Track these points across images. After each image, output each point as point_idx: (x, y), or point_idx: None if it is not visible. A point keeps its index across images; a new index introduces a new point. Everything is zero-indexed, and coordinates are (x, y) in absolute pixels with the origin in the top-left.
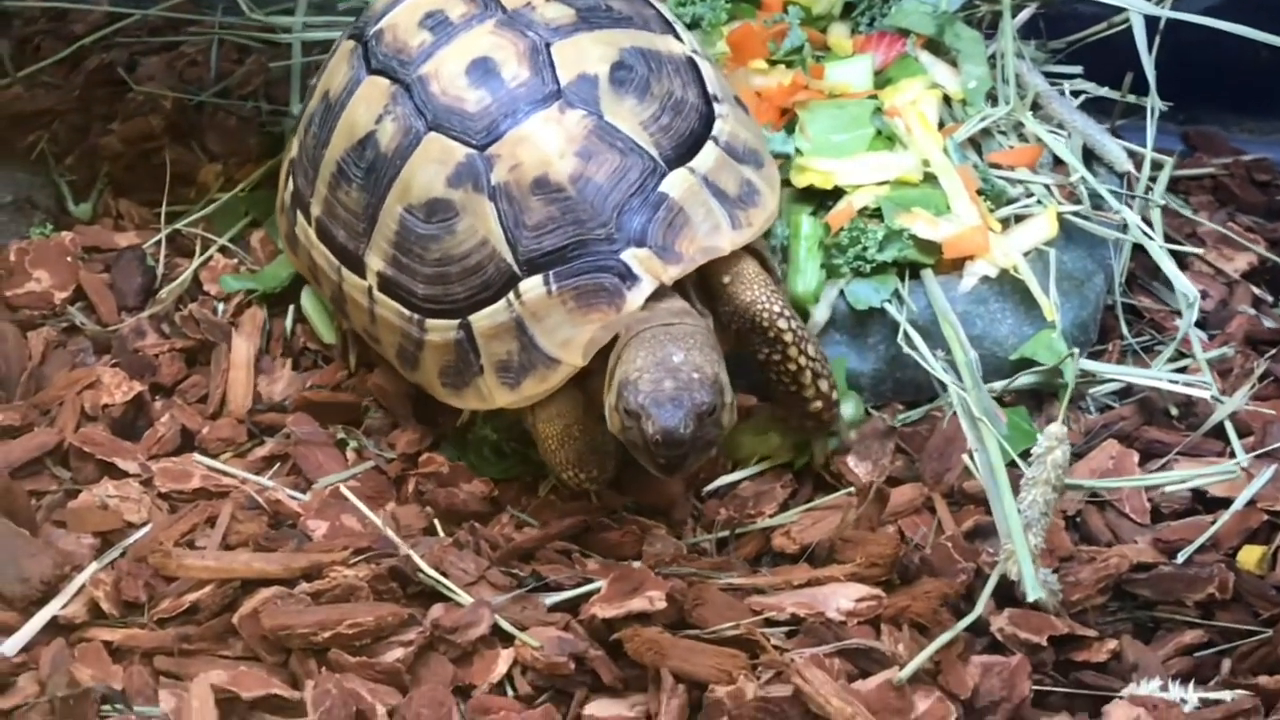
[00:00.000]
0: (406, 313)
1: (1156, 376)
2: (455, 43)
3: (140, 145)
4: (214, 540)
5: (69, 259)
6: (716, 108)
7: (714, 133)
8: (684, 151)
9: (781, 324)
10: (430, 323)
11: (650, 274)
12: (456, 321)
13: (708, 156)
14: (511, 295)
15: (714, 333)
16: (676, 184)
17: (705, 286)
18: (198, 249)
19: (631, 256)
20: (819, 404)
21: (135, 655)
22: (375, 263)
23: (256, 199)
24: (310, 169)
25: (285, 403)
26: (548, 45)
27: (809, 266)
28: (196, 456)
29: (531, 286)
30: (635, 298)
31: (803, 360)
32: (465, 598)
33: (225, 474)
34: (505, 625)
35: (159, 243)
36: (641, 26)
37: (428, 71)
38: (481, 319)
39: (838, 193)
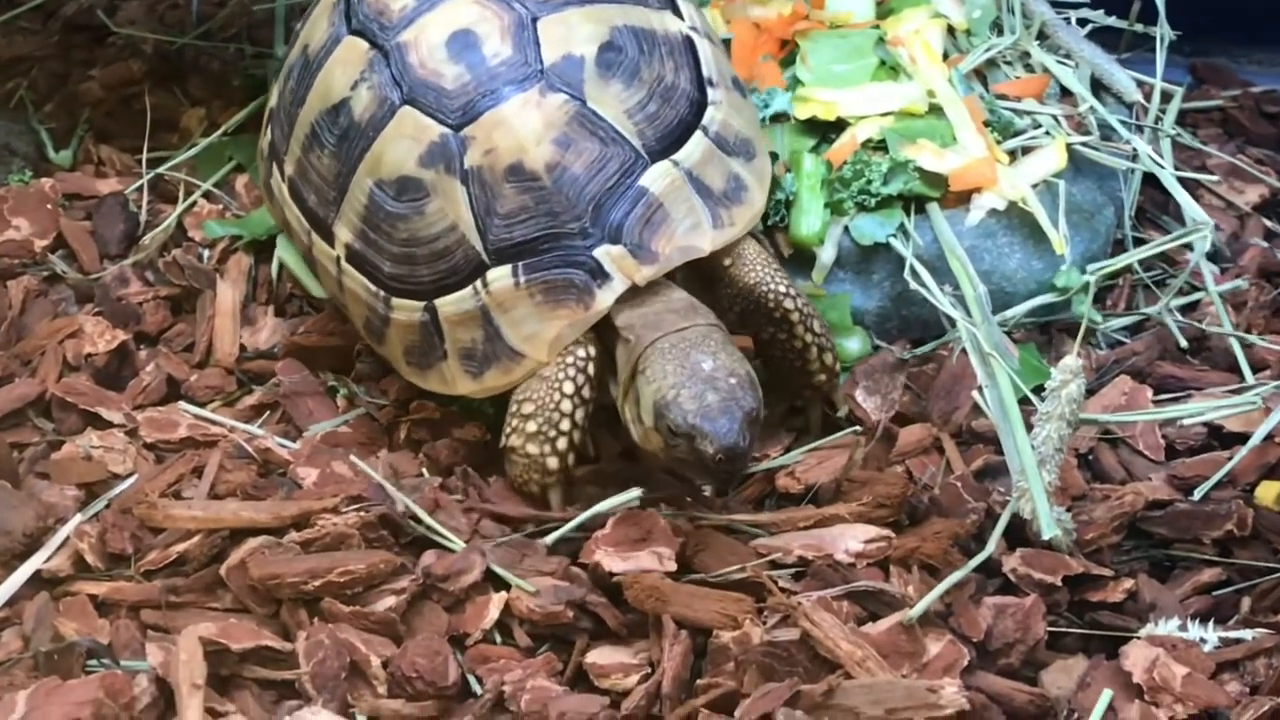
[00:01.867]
0: (373, 288)
1: (1171, 315)
2: (439, 10)
3: (121, 90)
4: (201, 490)
5: (49, 206)
6: (710, 93)
7: (704, 121)
8: (670, 143)
9: (788, 304)
10: (396, 301)
11: (623, 273)
12: (422, 304)
13: (694, 148)
14: (479, 283)
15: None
16: (658, 178)
17: (701, 270)
18: (181, 195)
19: (605, 254)
20: (823, 376)
21: (121, 608)
22: (344, 234)
23: (240, 143)
24: (286, 125)
25: (274, 349)
26: (534, 20)
27: (813, 206)
28: (183, 405)
29: (499, 276)
30: (605, 297)
31: (809, 337)
32: (458, 544)
33: (213, 423)
34: (499, 571)
35: (141, 189)
36: (638, 1)
37: (407, 39)
38: (447, 304)
39: (840, 124)
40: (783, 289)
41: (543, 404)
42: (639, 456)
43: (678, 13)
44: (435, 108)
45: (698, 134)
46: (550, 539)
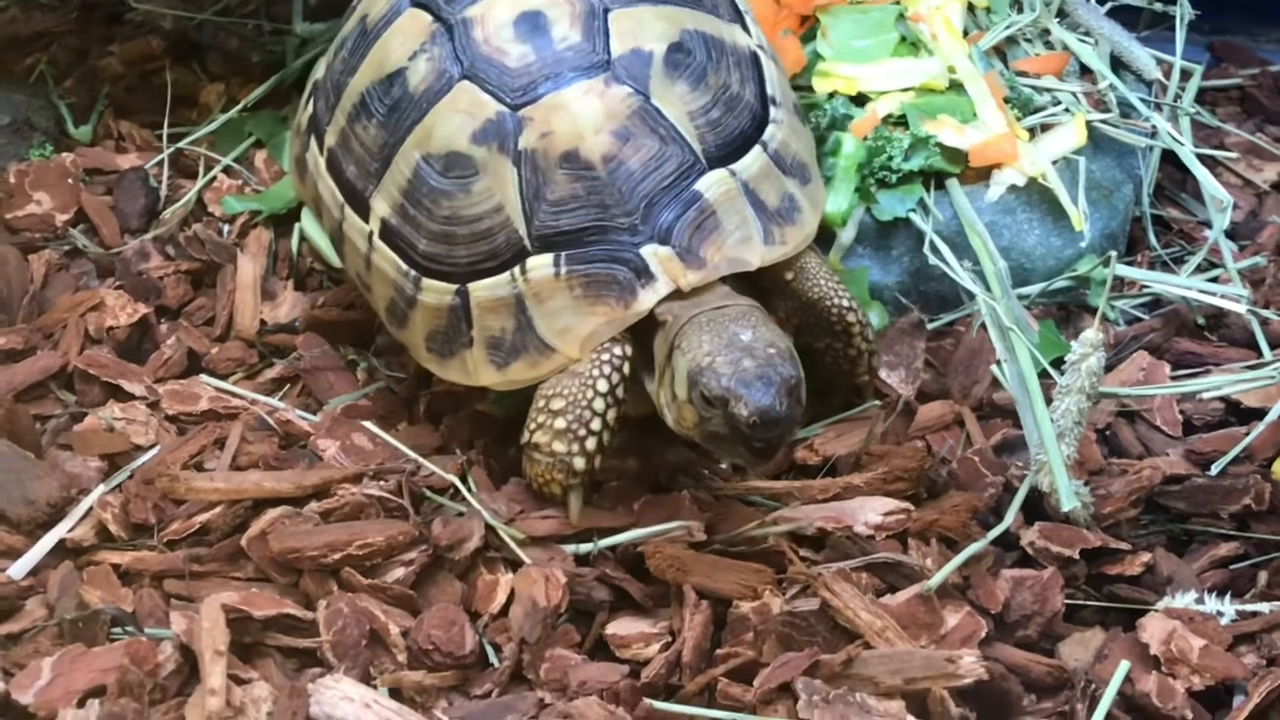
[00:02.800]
0: (404, 266)
1: (1193, 285)
2: None
3: (140, 66)
4: (223, 461)
5: (70, 181)
6: (772, 111)
7: (764, 137)
8: (729, 152)
9: (850, 317)
10: (427, 282)
11: (668, 275)
12: (455, 286)
13: (753, 161)
14: (517, 270)
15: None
16: (714, 184)
17: (758, 282)
18: (201, 170)
19: (652, 253)
20: (866, 378)
21: (145, 578)
22: (381, 208)
23: (260, 119)
24: (333, 95)
25: (295, 323)
26: (605, 10)
27: (844, 187)
28: (204, 378)
29: (540, 264)
30: (647, 298)
31: (864, 345)
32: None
33: (234, 395)
34: (499, 527)
35: (161, 164)
36: (710, 10)
37: (474, 15)
38: (481, 289)
39: (861, 99)
40: (845, 303)
41: (574, 400)
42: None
43: (746, 30)
44: (495, 85)
45: (757, 148)
46: (584, 549)
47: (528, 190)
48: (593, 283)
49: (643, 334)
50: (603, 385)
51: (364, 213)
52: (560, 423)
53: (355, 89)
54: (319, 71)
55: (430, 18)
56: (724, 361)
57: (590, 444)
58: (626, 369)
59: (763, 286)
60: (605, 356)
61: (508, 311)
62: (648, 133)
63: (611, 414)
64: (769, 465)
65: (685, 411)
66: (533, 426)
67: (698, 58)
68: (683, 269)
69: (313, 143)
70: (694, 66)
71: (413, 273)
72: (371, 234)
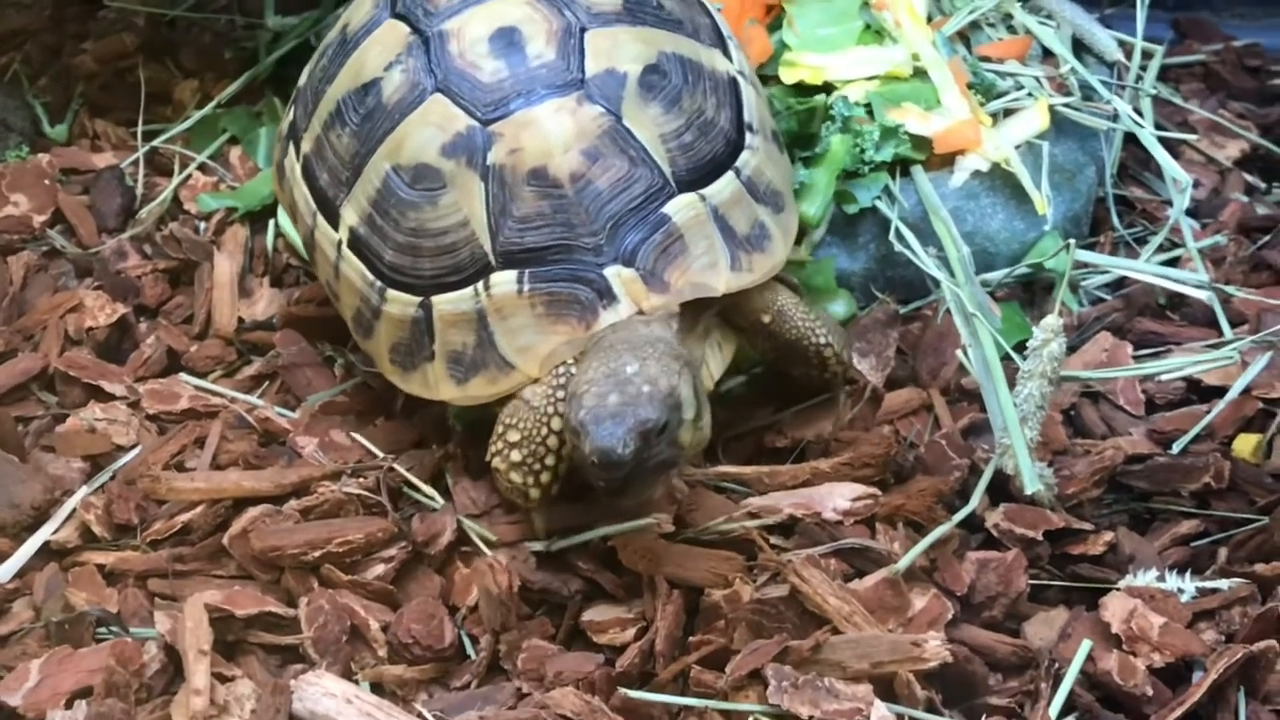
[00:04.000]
0: (370, 277)
1: (1148, 270)
2: (487, 5)
3: (114, 64)
4: (204, 460)
5: (47, 181)
6: (748, 137)
7: (738, 163)
8: (700, 176)
9: (826, 352)
10: (391, 294)
11: (630, 297)
12: (419, 299)
13: (724, 187)
14: (480, 285)
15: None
16: (682, 208)
17: (731, 318)
18: (176, 167)
19: (615, 274)
20: (835, 383)
21: (129, 578)
22: (350, 216)
23: (234, 115)
24: (311, 102)
25: (272, 320)
26: (583, 30)
27: (826, 189)
28: (184, 377)
29: (503, 281)
30: (608, 318)
31: (838, 369)
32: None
33: (213, 393)
34: (470, 526)
35: (137, 162)
36: (690, 34)
37: (450, 28)
38: (444, 302)
39: (827, 88)
40: (822, 340)
41: (529, 435)
42: None
43: (727, 55)
44: (467, 99)
45: (730, 174)
46: (554, 546)
47: (494, 206)
48: (555, 301)
49: None
50: (556, 423)
51: (334, 221)
52: (516, 455)
53: (331, 97)
54: (302, 78)
55: (408, 29)
56: (593, 393)
57: (545, 476)
58: None
59: (738, 326)
60: (559, 393)
61: (469, 327)
62: (617, 153)
63: (563, 462)
64: (626, 503)
65: (566, 433)
66: (493, 450)
67: (673, 81)
68: (645, 291)
69: (291, 149)
70: (669, 89)
71: (379, 283)
72: (340, 243)
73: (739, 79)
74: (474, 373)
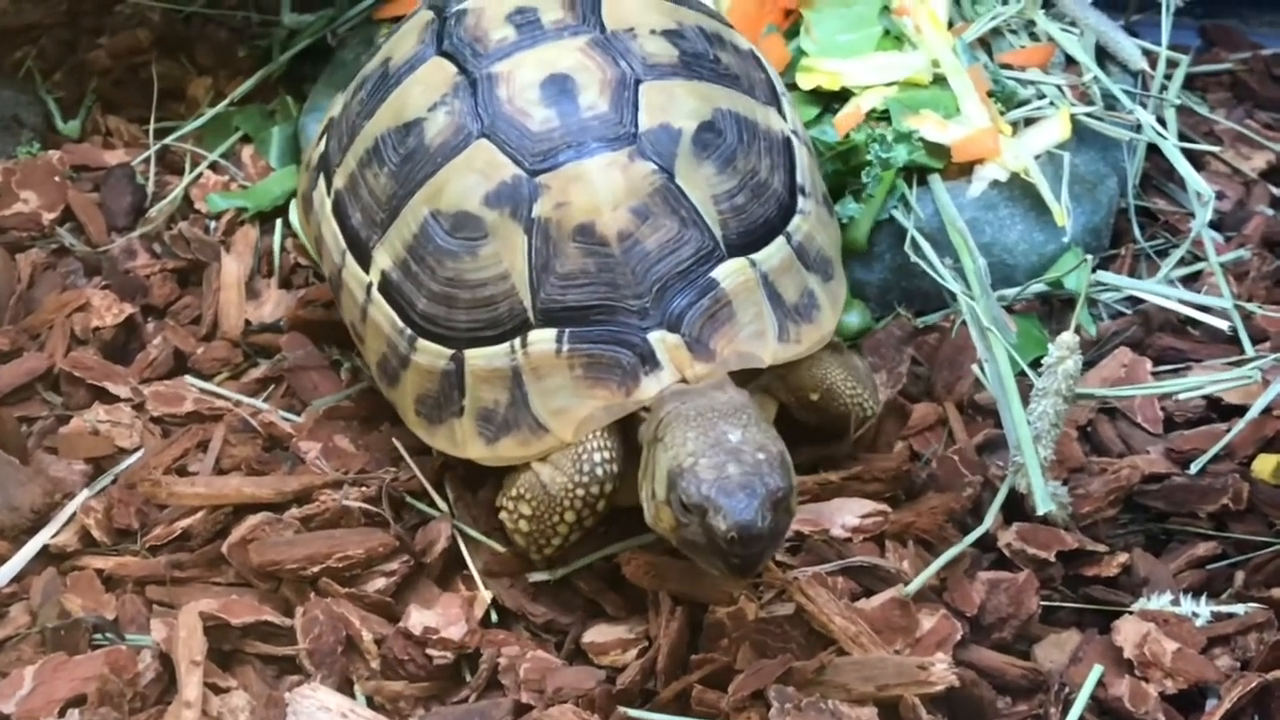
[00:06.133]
0: (400, 324)
1: (1168, 294)
2: (539, 49)
3: (128, 59)
4: (206, 465)
5: (57, 178)
6: (800, 201)
7: (790, 228)
8: (751, 240)
9: (868, 418)
10: (422, 343)
11: (674, 364)
12: (450, 351)
13: (775, 253)
14: (517, 342)
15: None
16: (732, 274)
17: (774, 393)
18: (188, 166)
19: (659, 340)
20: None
21: (127, 583)
22: (383, 260)
23: (247, 114)
24: (346, 136)
25: (279, 323)
26: (637, 82)
27: (871, 217)
28: (189, 379)
29: (541, 339)
30: (650, 386)
31: (874, 424)
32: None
33: (218, 397)
34: (470, 532)
35: (148, 160)
36: (746, 90)
37: (500, 71)
38: (478, 357)
39: (845, 94)
40: (868, 411)
41: (539, 516)
42: None
43: (781, 113)
44: (514, 147)
45: (781, 239)
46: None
47: (537, 260)
48: (594, 364)
49: (628, 418)
50: (570, 516)
51: (365, 262)
52: (525, 525)
53: (370, 134)
54: (336, 108)
55: (455, 69)
56: (707, 465)
57: (549, 550)
58: (605, 474)
59: (780, 396)
60: (583, 474)
61: (503, 384)
62: (668, 213)
63: (581, 526)
64: (749, 580)
65: (663, 512)
66: (503, 508)
67: (728, 139)
68: (690, 359)
69: (321, 181)
70: (723, 148)
71: (409, 331)
72: (370, 285)
73: (793, 139)
74: (505, 432)
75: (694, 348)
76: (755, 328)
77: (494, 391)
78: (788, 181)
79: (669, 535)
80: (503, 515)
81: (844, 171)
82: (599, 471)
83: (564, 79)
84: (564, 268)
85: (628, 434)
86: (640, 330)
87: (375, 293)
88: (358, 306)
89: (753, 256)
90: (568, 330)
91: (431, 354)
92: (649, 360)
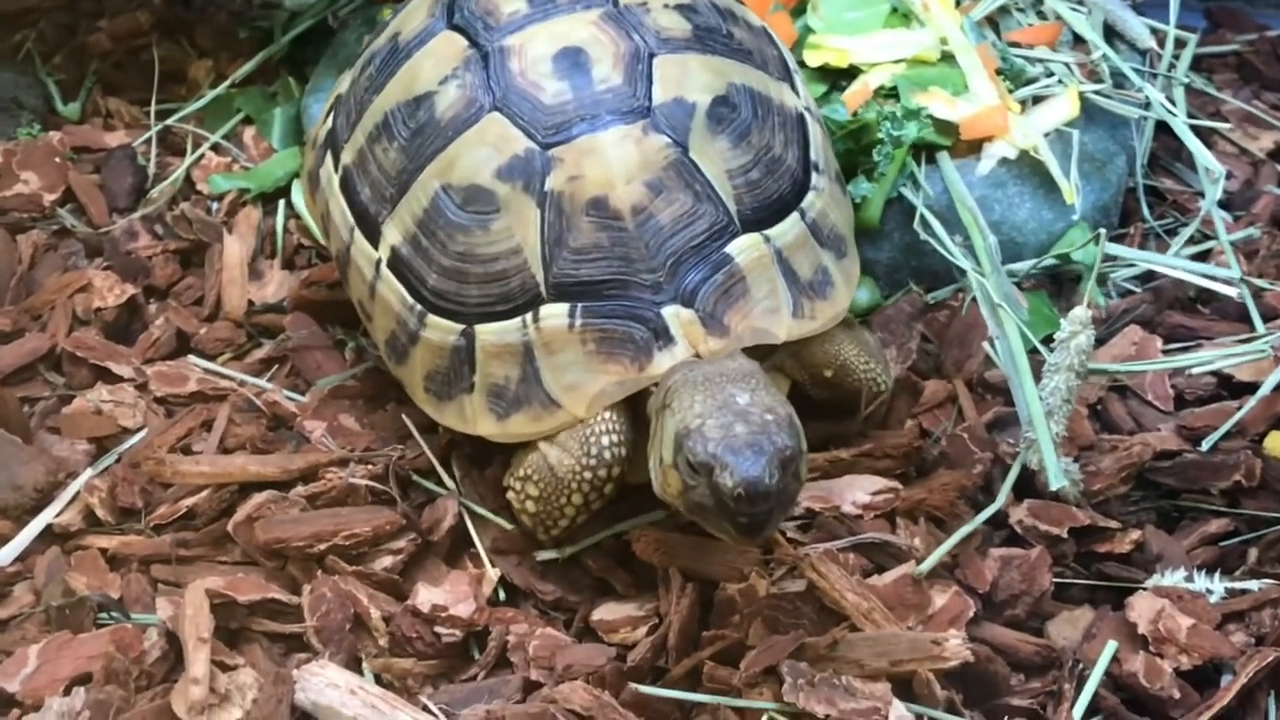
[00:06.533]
0: (410, 300)
1: (1178, 265)
2: (552, 22)
3: (129, 42)
4: (210, 444)
5: (58, 160)
6: (814, 178)
7: (804, 204)
8: (765, 215)
9: (885, 393)
10: (432, 319)
11: (688, 340)
12: (461, 327)
13: (789, 229)
14: (529, 316)
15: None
16: (746, 249)
17: (787, 365)
18: (189, 147)
19: (673, 315)
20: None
21: (132, 562)
22: (392, 235)
23: (248, 95)
24: (355, 112)
25: (283, 303)
26: (651, 55)
27: (883, 195)
28: (192, 359)
29: (554, 314)
30: (663, 361)
31: (887, 400)
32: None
33: (222, 376)
34: (477, 509)
35: (149, 141)
36: (759, 66)
37: (512, 44)
38: (488, 332)
39: (852, 72)
40: (882, 386)
41: (546, 497)
42: None
43: (795, 89)
44: (527, 120)
45: (795, 215)
46: (566, 553)
47: (549, 234)
48: (607, 339)
49: (638, 394)
50: (577, 499)
51: (374, 238)
52: (532, 506)
53: (379, 108)
54: (343, 85)
55: (466, 42)
56: (714, 425)
57: (556, 531)
58: (615, 471)
59: (793, 373)
60: (589, 457)
61: (514, 360)
62: (682, 187)
63: (589, 508)
64: (758, 544)
65: (670, 477)
66: (510, 484)
67: (742, 114)
68: (704, 335)
69: (328, 158)
70: (738, 123)
71: (418, 307)
72: (379, 261)
73: (806, 115)
74: (516, 408)
75: (708, 323)
76: (770, 304)
77: (505, 367)
78: (802, 158)
79: (676, 501)
80: (510, 495)
81: (855, 150)
82: (607, 455)
83: (577, 52)
84: (577, 242)
85: (637, 411)
86: (654, 305)
87: (384, 269)
88: (366, 283)
89: (767, 232)
90: (580, 305)
91: (442, 330)
92: (662, 335)
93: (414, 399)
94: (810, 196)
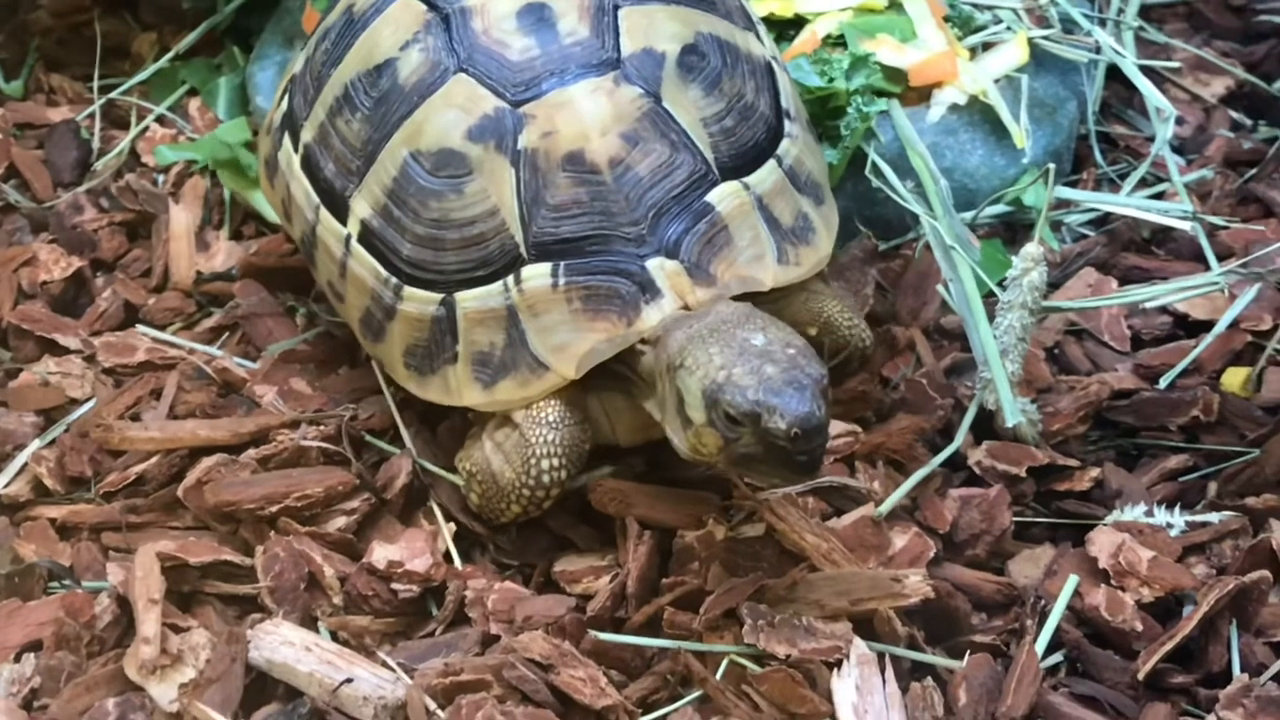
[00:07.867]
0: (384, 273)
1: (1131, 203)
2: None
3: (71, 18)
4: (160, 412)
5: (0, 136)
6: (787, 125)
7: (779, 151)
8: (743, 163)
9: (868, 349)
10: (409, 291)
11: (675, 291)
12: (440, 296)
13: (767, 175)
14: (511, 279)
15: None
16: (726, 197)
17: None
18: (134, 120)
19: (658, 267)
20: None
21: (82, 531)
22: (362, 209)
23: (193, 67)
24: (312, 88)
25: (231, 271)
26: (615, 7)
27: (844, 163)
28: (141, 329)
29: (536, 274)
30: (651, 315)
31: (869, 354)
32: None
33: (171, 345)
34: (431, 468)
35: (93, 116)
36: (723, 15)
37: (472, 4)
38: (469, 299)
39: (799, 21)
40: (866, 340)
41: (488, 502)
42: None
43: (759, 39)
44: (494, 79)
45: (771, 162)
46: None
47: (526, 193)
48: (593, 296)
49: (624, 354)
50: (516, 509)
51: (342, 215)
52: (475, 500)
53: (338, 80)
54: (296, 65)
55: (424, 7)
56: (743, 372)
57: (505, 520)
58: (554, 493)
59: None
60: (530, 481)
61: (498, 325)
62: (658, 137)
63: (525, 518)
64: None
65: (706, 437)
66: (460, 467)
67: (712, 62)
68: (691, 285)
69: (286, 140)
70: (708, 71)
71: (394, 280)
72: (349, 238)
73: (773, 64)
74: (503, 374)
75: (694, 273)
76: (754, 251)
77: (489, 333)
78: (773, 105)
79: (715, 459)
80: (459, 479)
81: (821, 115)
82: (545, 479)
83: (540, 7)
84: (555, 199)
85: (589, 378)
86: (638, 258)
87: (355, 244)
88: (335, 262)
89: (745, 180)
90: (563, 263)
91: (420, 301)
92: (649, 288)
93: (394, 377)
94: (785, 144)
